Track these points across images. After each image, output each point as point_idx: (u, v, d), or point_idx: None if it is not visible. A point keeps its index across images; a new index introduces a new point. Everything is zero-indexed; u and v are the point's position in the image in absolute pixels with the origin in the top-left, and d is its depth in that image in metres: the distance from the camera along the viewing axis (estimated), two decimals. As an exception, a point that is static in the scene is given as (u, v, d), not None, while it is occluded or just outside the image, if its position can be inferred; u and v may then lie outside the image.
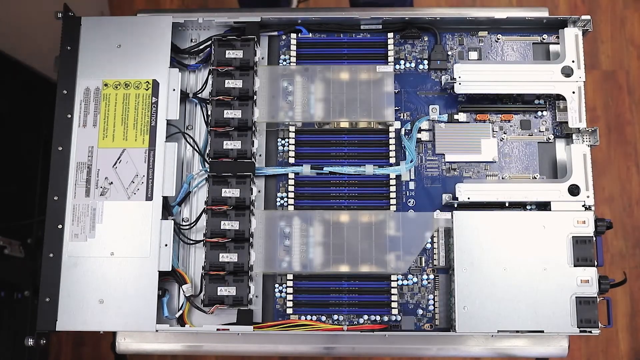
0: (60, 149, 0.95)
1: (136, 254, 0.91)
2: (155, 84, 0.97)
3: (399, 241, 0.93)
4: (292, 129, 0.98)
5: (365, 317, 0.93)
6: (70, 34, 0.99)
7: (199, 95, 1.00)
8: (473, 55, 1.02)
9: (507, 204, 0.94)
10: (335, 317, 0.94)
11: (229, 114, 0.95)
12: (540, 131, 0.99)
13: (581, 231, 0.90)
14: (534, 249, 0.90)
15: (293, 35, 1.01)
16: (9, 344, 1.45)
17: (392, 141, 0.97)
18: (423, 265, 0.95)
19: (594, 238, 0.90)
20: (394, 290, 0.93)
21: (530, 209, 0.95)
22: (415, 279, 0.94)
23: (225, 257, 0.91)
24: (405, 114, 1.00)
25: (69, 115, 0.96)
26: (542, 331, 0.88)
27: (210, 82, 0.97)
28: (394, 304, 0.93)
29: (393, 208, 0.95)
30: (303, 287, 0.94)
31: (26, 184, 1.59)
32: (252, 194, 0.94)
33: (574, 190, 0.92)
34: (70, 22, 0.99)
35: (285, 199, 0.97)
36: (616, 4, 1.96)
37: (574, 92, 0.95)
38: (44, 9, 1.16)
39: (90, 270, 0.91)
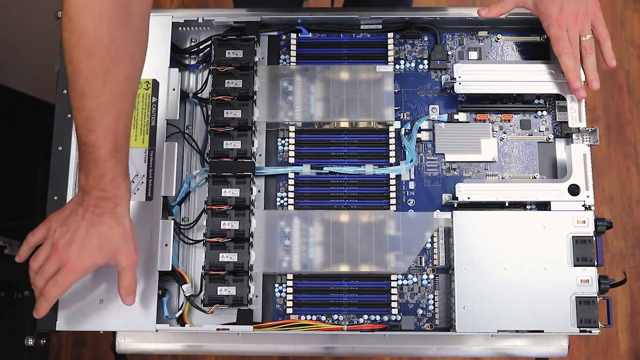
0: (60, 149, 0.95)
1: (136, 254, 0.91)
2: (155, 84, 0.97)
3: (399, 241, 0.93)
4: (292, 128, 0.98)
5: (365, 316, 0.93)
6: (70, 33, 0.98)
7: (199, 95, 1.00)
8: (473, 55, 1.02)
9: (507, 204, 0.94)
10: (335, 317, 0.94)
11: (229, 113, 0.95)
12: (540, 131, 0.99)
13: (581, 231, 0.90)
14: (534, 249, 0.90)
15: (293, 35, 1.01)
16: (9, 344, 1.45)
17: (392, 141, 0.97)
18: (423, 265, 0.95)
19: (594, 238, 0.90)
20: (394, 290, 0.93)
21: (530, 209, 0.95)
22: (415, 279, 0.94)
23: (225, 257, 0.91)
24: (405, 113, 1.00)
25: (69, 115, 0.96)
26: (542, 331, 0.88)
27: (210, 82, 0.97)
28: (394, 304, 0.93)
29: (393, 208, 0.95)
30: (303, 286, 0.94)
31: (26, 184, 1.59)
32: (252, 193, 0.94)
33: (574, 190, 0.92)
34: (70, 22, 0.99)
35: (285, 199, 0.97)
36: (616, 4, 1.96)
37: (574, 92, 0.95)
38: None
39: (90, 270, 0.91)
